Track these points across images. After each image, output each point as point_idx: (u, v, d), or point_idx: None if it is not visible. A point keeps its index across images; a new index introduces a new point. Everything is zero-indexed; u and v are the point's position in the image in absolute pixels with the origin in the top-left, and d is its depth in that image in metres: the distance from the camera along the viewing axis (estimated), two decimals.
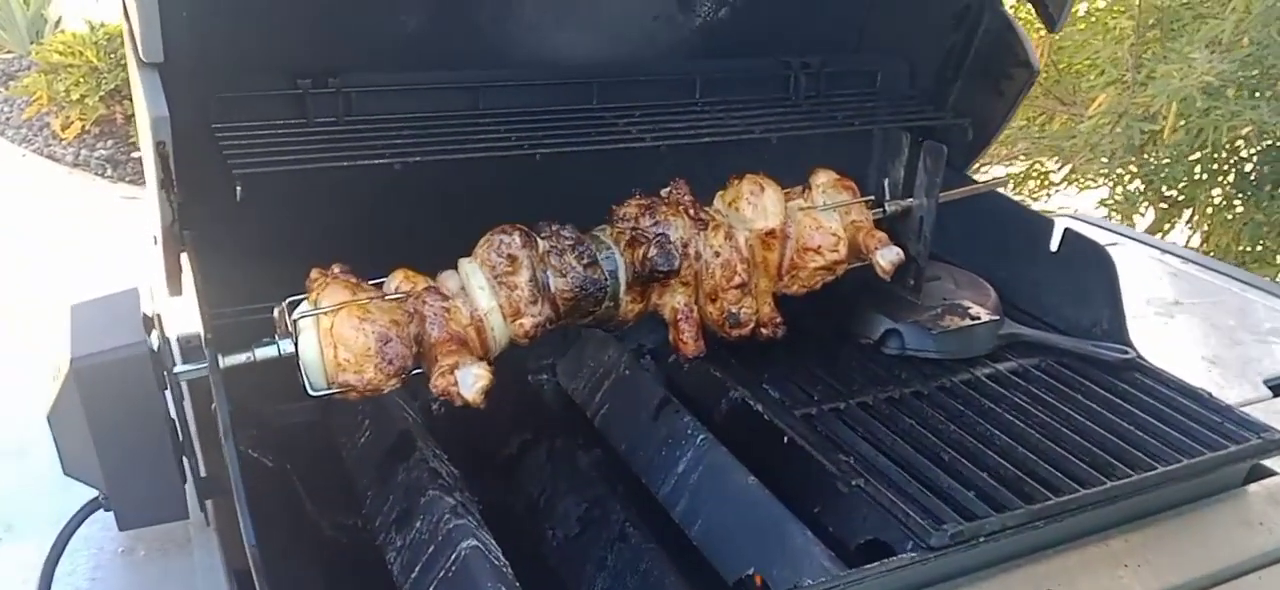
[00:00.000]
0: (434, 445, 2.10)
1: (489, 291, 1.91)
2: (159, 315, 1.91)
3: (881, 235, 2.30)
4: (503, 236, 1.92)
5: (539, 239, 1.94)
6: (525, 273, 1.92)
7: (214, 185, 1.86)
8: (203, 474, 1.94)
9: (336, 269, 1.94)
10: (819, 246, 2.24)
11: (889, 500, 1.83)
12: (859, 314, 2.47)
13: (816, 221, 2.25)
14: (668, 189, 2.17)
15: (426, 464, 2.03)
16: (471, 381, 1.78)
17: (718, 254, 2.24)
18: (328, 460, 2.20)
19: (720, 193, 2.24)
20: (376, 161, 1.98)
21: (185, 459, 1.85)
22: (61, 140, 8.79)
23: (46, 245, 6.80)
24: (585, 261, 2.07)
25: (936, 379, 2.25)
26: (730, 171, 2.41)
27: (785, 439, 2.05)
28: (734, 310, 2.30)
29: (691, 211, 2.24)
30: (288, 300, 1.85)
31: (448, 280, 1.91)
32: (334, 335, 1.73)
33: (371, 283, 1.82)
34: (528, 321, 2.02)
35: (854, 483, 1.87)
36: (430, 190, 2.14)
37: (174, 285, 2.07)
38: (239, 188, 1.83)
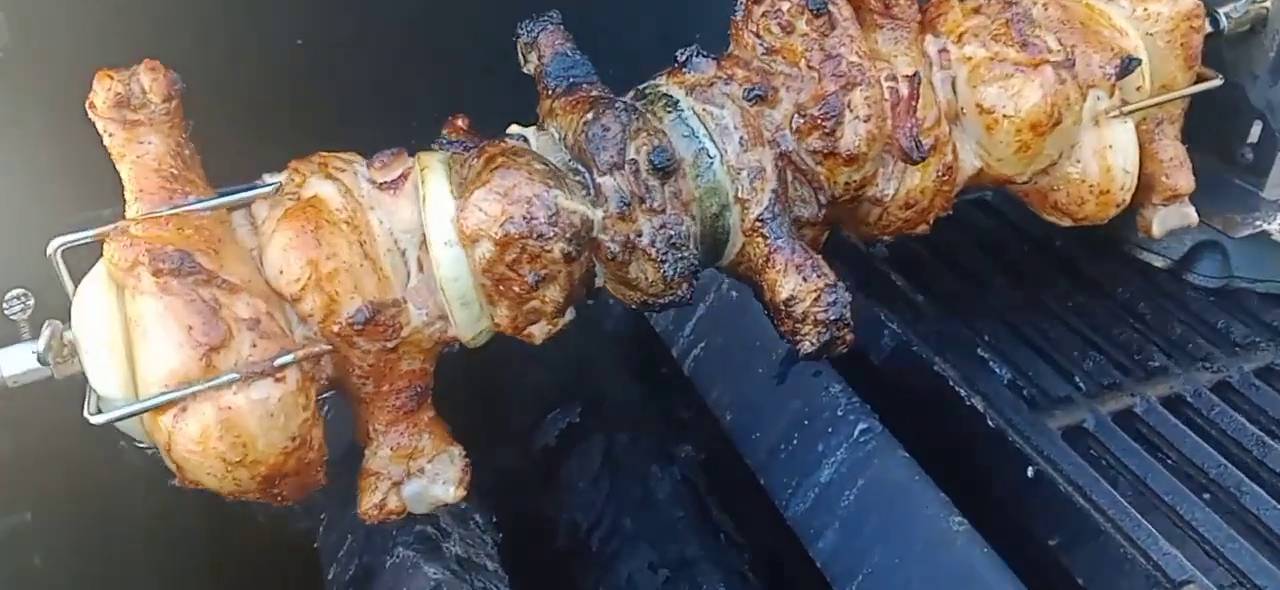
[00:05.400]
0: None
1: (478, 307, 1.04)
2: None
3: (1179, 150, 1.43)
4: (532, 199, 0.98)
5: (602, 198, 1.05)
6: (561, 282, 1.02)
7: None
8: None
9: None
10: (1079, 204, 1.34)
11: None
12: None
13: (1100, 149, 1.31)
14: None
15: None
16: (430, 495, 1.06)
17: (909, 201, 1.21)
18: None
19: (934, 22, 1.28)
20: None
21: None
22: None
23: None
24: (679, 260, 1.05)
25: None
26: None
27: (1031, 471, 1.32)
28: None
29: (904, 123, 1.16)
30: (60, 246, 0.96)
31: (374, 233, 1.02)
32: (175, 450, 0.92)
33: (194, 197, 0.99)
34: (538, 333, 1.06)
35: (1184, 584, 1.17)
36: None
37: None
38: None
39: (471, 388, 1.57)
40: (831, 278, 1.10)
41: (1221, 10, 1.43)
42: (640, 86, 1.19)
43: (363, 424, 1.04)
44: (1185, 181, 1.42)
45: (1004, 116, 1.21)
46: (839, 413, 1.48)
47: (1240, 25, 1.45)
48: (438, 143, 1.14)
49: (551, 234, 0.98)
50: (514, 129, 1.12)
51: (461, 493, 1.06)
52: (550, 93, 1.14)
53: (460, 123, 1.14)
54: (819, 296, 1.08)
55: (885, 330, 1.53)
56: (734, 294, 1.70)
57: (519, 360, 1.81)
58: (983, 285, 1.58)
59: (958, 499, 1.33)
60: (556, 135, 1.10)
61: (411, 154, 1.10)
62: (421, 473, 1.04)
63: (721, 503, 1.56)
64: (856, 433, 1.45)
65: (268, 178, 1.05)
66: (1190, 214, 1.45)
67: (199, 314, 0.89)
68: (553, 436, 1.64)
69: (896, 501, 1.38)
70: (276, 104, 1.55)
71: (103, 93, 0.96)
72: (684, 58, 1.15)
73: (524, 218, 0.97)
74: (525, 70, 1.19)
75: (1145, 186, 1.40)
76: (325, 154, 1.06)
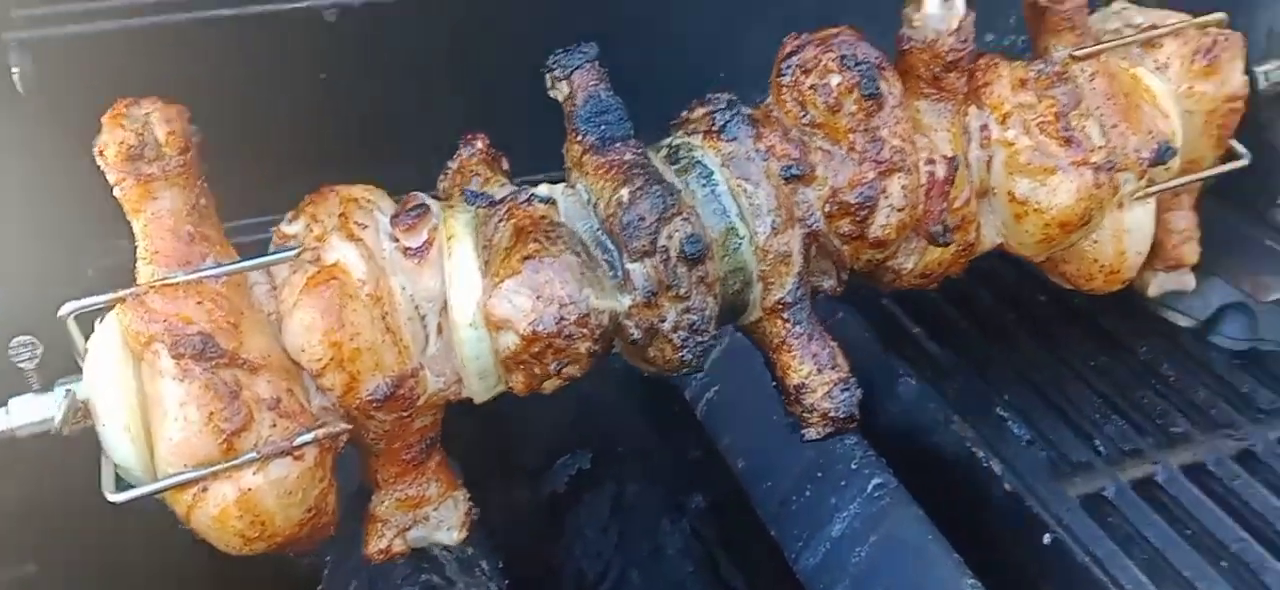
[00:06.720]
0: None
1: (495, 379, 1.03)
2: None
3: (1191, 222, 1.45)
4: (565, 301, 0.96)
5: (630, 285, 1.02)
6: (581, 365, 1.00)
7: None
8: None
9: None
10: (1087, 278, 1.35)
11: None
12: None
13: (1118, 232, 1.30)
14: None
15: None
16: (434, 539, 1.11)
17: (925, 272, 1.21)
18: None
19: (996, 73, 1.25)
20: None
21: None
22: None
23: None
24: (698, 345, 1.03)
25: None
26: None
27: (1047, 538, 1.30)
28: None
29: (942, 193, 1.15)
30: (72, 312, 0.91)
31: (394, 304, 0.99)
32: (193, 522, 0.92)
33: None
34: (549, 387, 1.04)
35: None
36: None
37: None
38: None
39: (478, 426, 1.54)
40: (845, 372, 1.10)
41: (1259, 69, 1.41)
42: (673, 142, 1.16)
43: (371, 471, 1.05)
44: (1191, 254, 1.44)
45: (1034, 210, 1.20)
46: (853, 466, 1.45)
47: (1277, 86, 1.43)
48: (450, 178, 1.10)
49: (580, 335, 0.96)
50: (542, 189, 1.08)
51: (463, 535, 1.10)
52: (580, 139, 1.09)
53: (480, 143, 1.11)
54: (830, 391, 1.09)
55: (900, 382, 1.51)
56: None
57: (528, 398, 1.80)
58: (1000, 338, 1.56)
59: (971, 561, 1.30)
60: (585, 197, 1.07)
61: (433, 188, 1.08)
62: (426, 520, 1.08)
63: (732, 557, 1.53)
64: (871, 487, 1.42)
65: (284, 228, 1.01)
66: (1188, 282, 1.47)
67: (220, 399, 0.87)
68: (563, 482, 1.61)
69: (909, 560, 1.35)
70: (297, 134, 1.51)
71: (113, 144, 0.90)
72: (722, 123, 1.11)
73: (554, 319, 0.95)
74: (551, 95, 1.14)
75: (1152, 250, 1.38)
76: (343, 195, 1.02)
